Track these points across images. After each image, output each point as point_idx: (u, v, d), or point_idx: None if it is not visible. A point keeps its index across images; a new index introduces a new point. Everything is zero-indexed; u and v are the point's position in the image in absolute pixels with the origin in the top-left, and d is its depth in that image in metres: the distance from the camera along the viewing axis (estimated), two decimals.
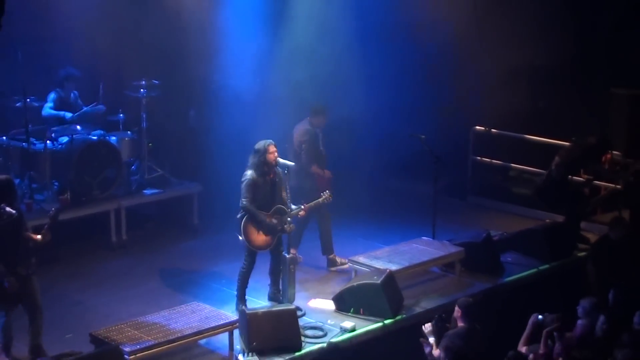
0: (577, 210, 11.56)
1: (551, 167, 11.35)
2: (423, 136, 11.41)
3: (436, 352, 7.97)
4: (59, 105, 11.63)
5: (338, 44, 13.09)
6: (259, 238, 9.40)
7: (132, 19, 12.43)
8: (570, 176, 11.48)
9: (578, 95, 13.10)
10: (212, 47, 12.77)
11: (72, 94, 11.77)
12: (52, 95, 11.61)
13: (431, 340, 8.13)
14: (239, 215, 9.37)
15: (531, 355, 7.91)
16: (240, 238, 9.38)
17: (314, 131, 10.87)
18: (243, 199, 9.29)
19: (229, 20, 12.72)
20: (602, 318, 8.15)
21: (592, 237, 11.48)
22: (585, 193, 11.94)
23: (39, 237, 8.31)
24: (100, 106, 11.83)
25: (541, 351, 7.87)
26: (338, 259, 10.92)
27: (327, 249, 10.93)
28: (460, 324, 8.34)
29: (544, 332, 7.93)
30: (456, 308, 8.49)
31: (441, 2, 13.84)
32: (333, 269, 10.93)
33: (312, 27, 12.92)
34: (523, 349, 8.21)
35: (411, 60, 13.80)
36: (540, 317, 8.25)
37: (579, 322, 8.38)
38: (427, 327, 8.25)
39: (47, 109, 11.57)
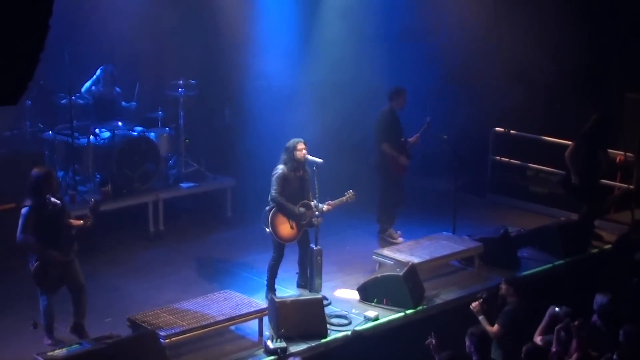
0: (595, 205, 11.37)
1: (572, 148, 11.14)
2: (445, 136, 11.31)
3: (491, 328, 8.23)
4: (98, 97, 11.65)
5: (363, 46, 12.97)
6: (286, 230, 9.26)
7: (171, 23, 12.38)
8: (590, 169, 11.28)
9: (593, 99, 12.91)
10: (246, 48, 12.71)
11: (114, 90, 11.77)
12: (97, 73, 11.66)
13: (480, 318, 8.35)
14: (267, 208, 9.25)
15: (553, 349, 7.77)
16: (268, 230, 9.26)
17: (390, 111, 10.99)
18: (272, 190, 9.17)
19: (263, 22, 12.67)
20: None
21: (606, 235, 11.31)
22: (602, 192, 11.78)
23: (80, 222, 8.29)
24: (132, 103, 11.92)
25: (554, 348, 7.72)
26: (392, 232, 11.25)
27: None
28: (510, 299, 8.47)
29: (556, 329, 7.77)
30: (504, 286, 8.57)
31: (462, 6, 13.66)
32: (385, 236, 11.24)
33: (341, 29, 12.83)
34: (538, 339, 8.12)
35: (434, 66, 13.64)
36: (557, 309, 8.13)
37: (594, 316, 8.23)
38: (475, 306, 8.42)
39: (85, 86, 11.63)
